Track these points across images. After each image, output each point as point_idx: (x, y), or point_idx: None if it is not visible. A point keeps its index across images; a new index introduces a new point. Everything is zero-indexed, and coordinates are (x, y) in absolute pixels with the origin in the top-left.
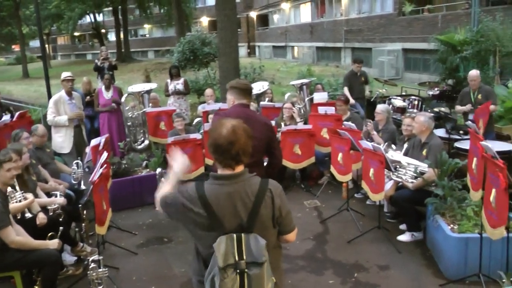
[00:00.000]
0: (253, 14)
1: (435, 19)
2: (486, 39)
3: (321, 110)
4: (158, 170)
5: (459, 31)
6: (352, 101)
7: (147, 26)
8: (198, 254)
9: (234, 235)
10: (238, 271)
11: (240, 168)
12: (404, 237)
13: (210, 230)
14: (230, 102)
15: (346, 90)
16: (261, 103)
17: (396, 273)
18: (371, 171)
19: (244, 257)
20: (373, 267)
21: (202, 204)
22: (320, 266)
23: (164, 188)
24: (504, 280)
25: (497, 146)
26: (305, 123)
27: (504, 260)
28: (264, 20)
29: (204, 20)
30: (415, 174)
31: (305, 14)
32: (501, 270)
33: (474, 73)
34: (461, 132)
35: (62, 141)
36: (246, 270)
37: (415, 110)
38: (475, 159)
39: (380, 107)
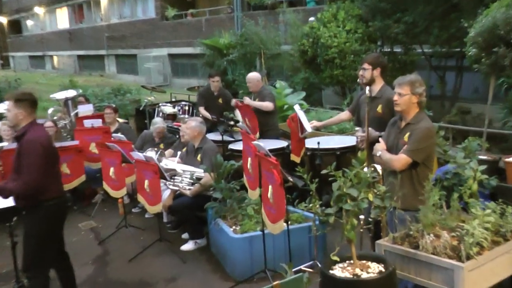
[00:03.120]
0: (3, 20)
1: (199, 24)
2: (250, 42)
3: (87, 123)
4: None
5: (224, 35)
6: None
7: None
8: None
9: None
10: None
11: None
12: (188, 246)
13: None
14: (19, 117)
15: (202, 110)
16: None
17: (183, 283)
18: (146, 182)
19: None
20: (160, 282)
21: None
22: None
23: None
24: (287, 272)
25: (270, 144)
26: (72, 139)
27: (287, 251)
28: (16, 26)
29: None
30: (191, 181)
31: (62, 19)
32: (285, 262)
33: (249, 76)
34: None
35: None
36: None
37: (186, 116)
38: (249, 159)
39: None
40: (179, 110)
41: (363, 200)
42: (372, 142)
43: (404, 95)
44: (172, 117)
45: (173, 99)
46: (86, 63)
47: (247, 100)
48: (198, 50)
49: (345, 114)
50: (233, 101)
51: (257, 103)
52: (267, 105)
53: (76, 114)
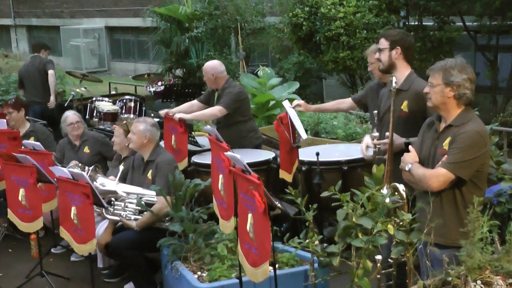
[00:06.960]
0: None
1: None
2: (223, 12)
3: None
4: None
5: (186, 1)
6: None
7: None
8: None
9: None
10: None
11: None
12: None
13: None
14: None
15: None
16: None
17: None
18: (73, 210)
19: None
20: None
21: None
22: None
23: None
24: None
25: (250, 155)
26: None
27: None
28: None
29: None
30: (139, 207)
31: None
32: None
33: (205, 67)
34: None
35: None
36: None
37: (131, 116)
38: (221, 176)
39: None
40: (121, 108)
41: (381, 234)
42: (394, 152)
43: (434, 86)
44: (112, 117)
45: (113, 92)
46: None
47: (179, 115)
48: (148, 22)
49: (346, 102)
50: (163, 112)
51: (194, 115)
52: (211, 113)
53: None
